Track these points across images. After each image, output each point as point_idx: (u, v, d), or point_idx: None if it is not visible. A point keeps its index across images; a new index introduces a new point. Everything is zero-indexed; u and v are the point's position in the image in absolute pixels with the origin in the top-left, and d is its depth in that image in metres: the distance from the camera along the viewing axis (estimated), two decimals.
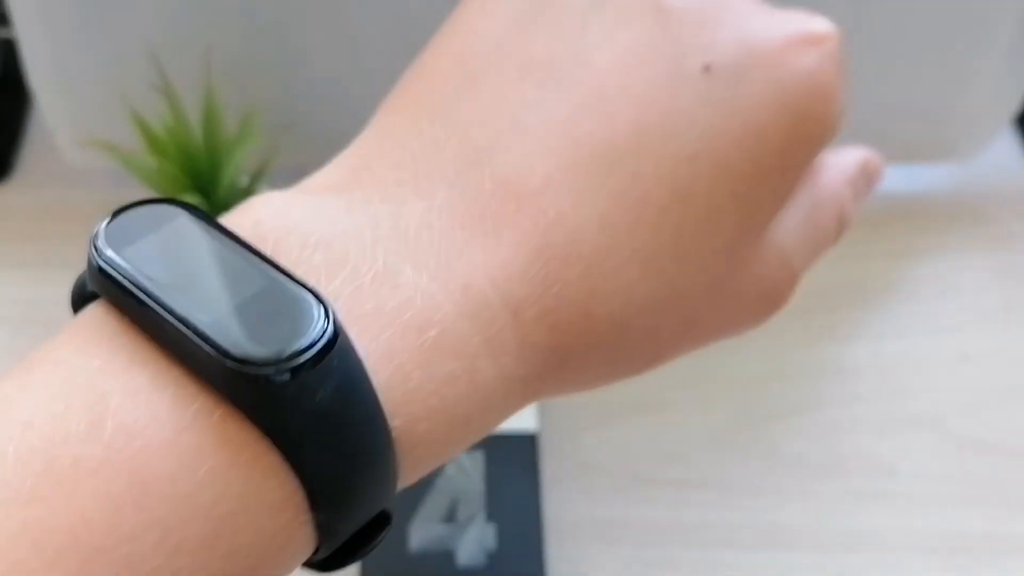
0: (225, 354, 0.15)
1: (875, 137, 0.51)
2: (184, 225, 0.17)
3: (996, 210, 0.54)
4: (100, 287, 0.16)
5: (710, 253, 0.19)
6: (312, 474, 0.15)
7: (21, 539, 0.13)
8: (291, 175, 0.53)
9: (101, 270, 0.16)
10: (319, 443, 0.15)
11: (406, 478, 0.17)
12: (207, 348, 0.15)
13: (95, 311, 0.17)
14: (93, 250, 0.16)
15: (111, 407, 0.15)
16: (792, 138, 0.20)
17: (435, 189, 0.18)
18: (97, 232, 0.17)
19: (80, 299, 0.18)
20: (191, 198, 0.41)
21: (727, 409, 0.45)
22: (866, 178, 0.25)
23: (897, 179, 0.55)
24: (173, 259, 0.16)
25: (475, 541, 0.38)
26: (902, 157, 0.52)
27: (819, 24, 0.21)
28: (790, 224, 0.21)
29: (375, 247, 0.17)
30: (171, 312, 0.15)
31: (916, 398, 0.47)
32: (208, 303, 0.15)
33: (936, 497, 0.44)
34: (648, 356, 0.20)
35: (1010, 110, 0.49)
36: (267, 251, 0.16)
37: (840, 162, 0.24)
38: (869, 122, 0.50)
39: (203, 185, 0.43)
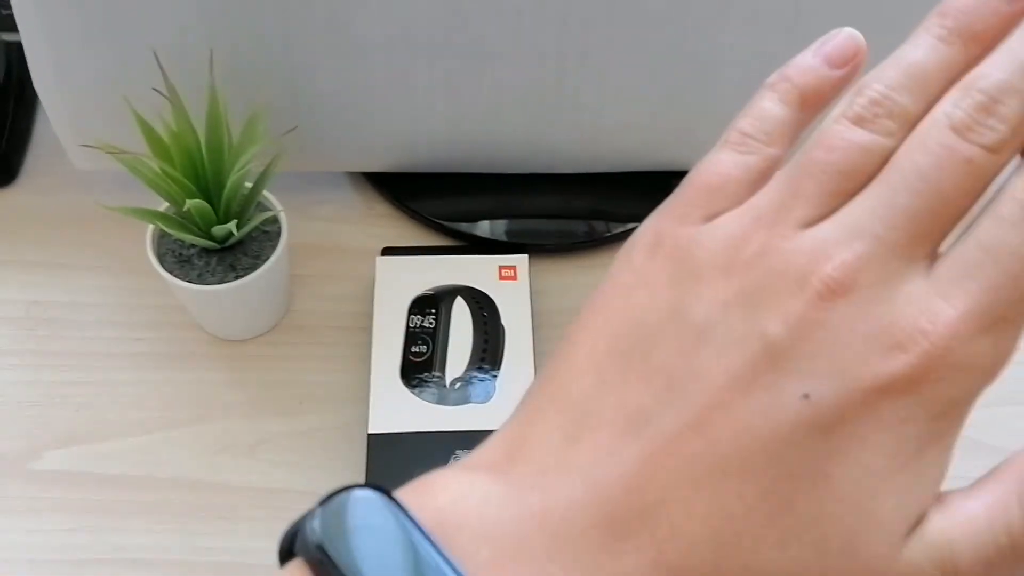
0: None
1: None
2: (385, 516, 0.21)
3: None
4: (312, 559, 0.20)
5: (820, 560, 0.20)
6: None
7: None
8: (295, 179, 0.54)
9: (319, 548, 0.20)
10: None
11: None
12: None
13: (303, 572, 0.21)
14: (311, 525, 0.21)
15: None
16: (887, 456, 0.21)
17: (574, 485, 0.21)
18: (314, 511, 0.21)
19: (288, 549, 0.22)
20: (195, 201, 0.41)
21: None
22: None
23: None
24: (375, 551, 0.20)
25: None
26: None
27: (904, 364, 0.20)
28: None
29: (530, 544, 0.21)
30: None
31: None
32: None
33: None
34: None
35: None
36: (446, 544, 0.20)
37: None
38: None
39: (207, 189, 0.43)
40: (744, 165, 0.23)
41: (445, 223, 0.52)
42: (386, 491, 0.21)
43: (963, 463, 0.48)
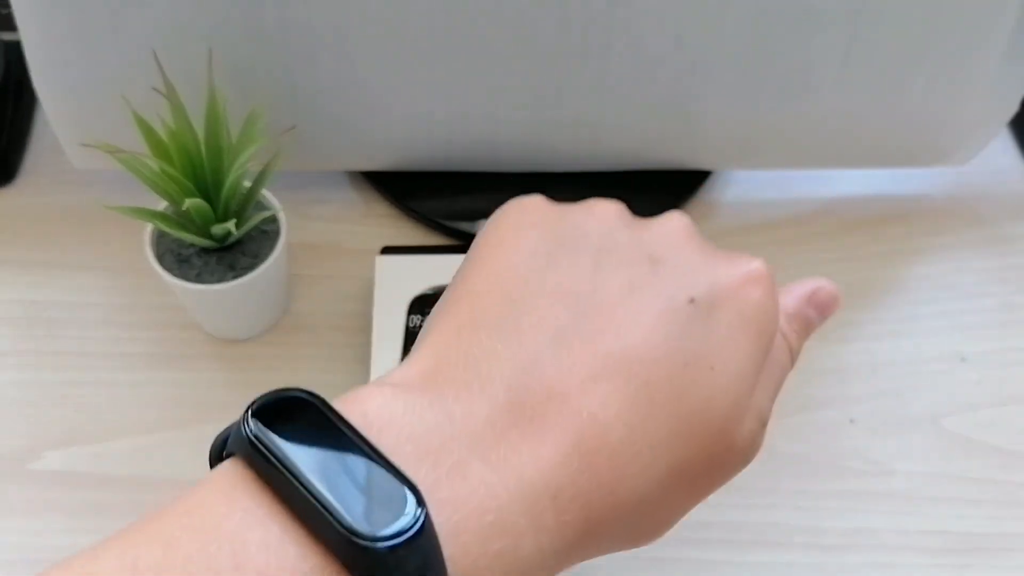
0: (343, 526, 0.20)
1: (873, 142, 0.51)
2: (314, 414, 0.22)
3: (992, 212, 0.54)
4: (245, 453, 0.21)
5: (707, 432, 0.25)
6: None
7: None
8: (294, 178, 0.54)
9: (251, 442, 0.21)
10: None
11: None
12: (329, 519, 0.20)
13: (236, 469, 0.21)
14: (246, 423, 0.21)
15: (250, 555, 0.20)
16: (753, 343, 0.27)
17: (496, 392, 0.23)
18: (248, 410, 0.22)
19: (218, 455, 0.23)
20: (194, 201, 0.41)
21: None
22: (816, 307, 0.31)
23: (894, 182, 0.55)
24: (305, 442, 0.21)
25: None
26: (899, 161, 0.52)
27: (758, 266, 0.28)
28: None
29: (451, 443, 0.22)
30: (304, 485, 0.20)
31: (913, 399, 0.47)
32: (331, 481, 0.20)
33: (932, 497, 0.44)
34: (660, 521, 0.26)
35: (1006, 114, 0.49)
36: (372, 438, 0.21)
37: (783, 303, 0.30)
38: (868, 127, 0.50)
39: (205, 188, 0.43)
40: None
41: (445, 223, 0.52)
42: (315, 395, 0.23)
43: (964, 463, 0.48)
